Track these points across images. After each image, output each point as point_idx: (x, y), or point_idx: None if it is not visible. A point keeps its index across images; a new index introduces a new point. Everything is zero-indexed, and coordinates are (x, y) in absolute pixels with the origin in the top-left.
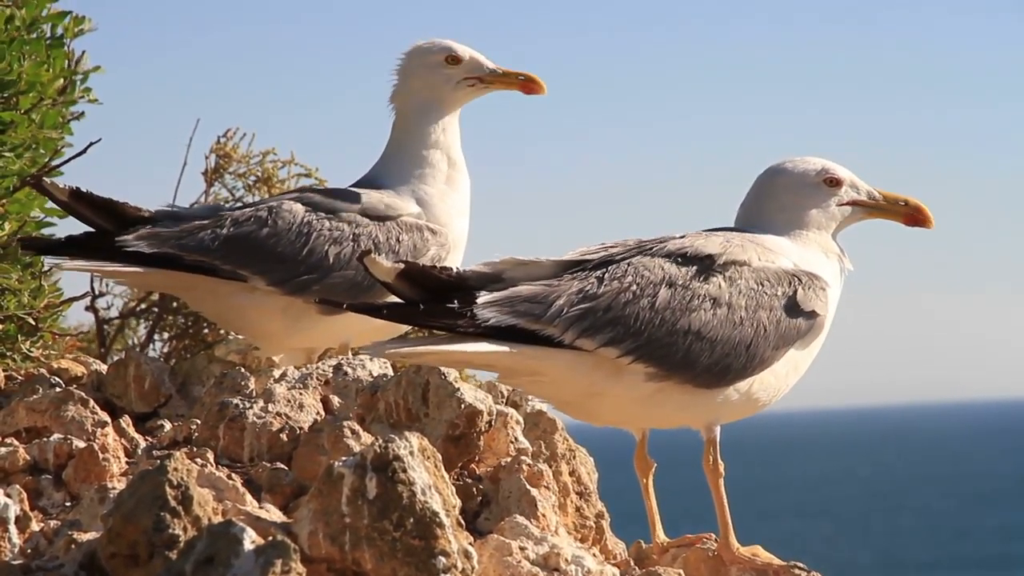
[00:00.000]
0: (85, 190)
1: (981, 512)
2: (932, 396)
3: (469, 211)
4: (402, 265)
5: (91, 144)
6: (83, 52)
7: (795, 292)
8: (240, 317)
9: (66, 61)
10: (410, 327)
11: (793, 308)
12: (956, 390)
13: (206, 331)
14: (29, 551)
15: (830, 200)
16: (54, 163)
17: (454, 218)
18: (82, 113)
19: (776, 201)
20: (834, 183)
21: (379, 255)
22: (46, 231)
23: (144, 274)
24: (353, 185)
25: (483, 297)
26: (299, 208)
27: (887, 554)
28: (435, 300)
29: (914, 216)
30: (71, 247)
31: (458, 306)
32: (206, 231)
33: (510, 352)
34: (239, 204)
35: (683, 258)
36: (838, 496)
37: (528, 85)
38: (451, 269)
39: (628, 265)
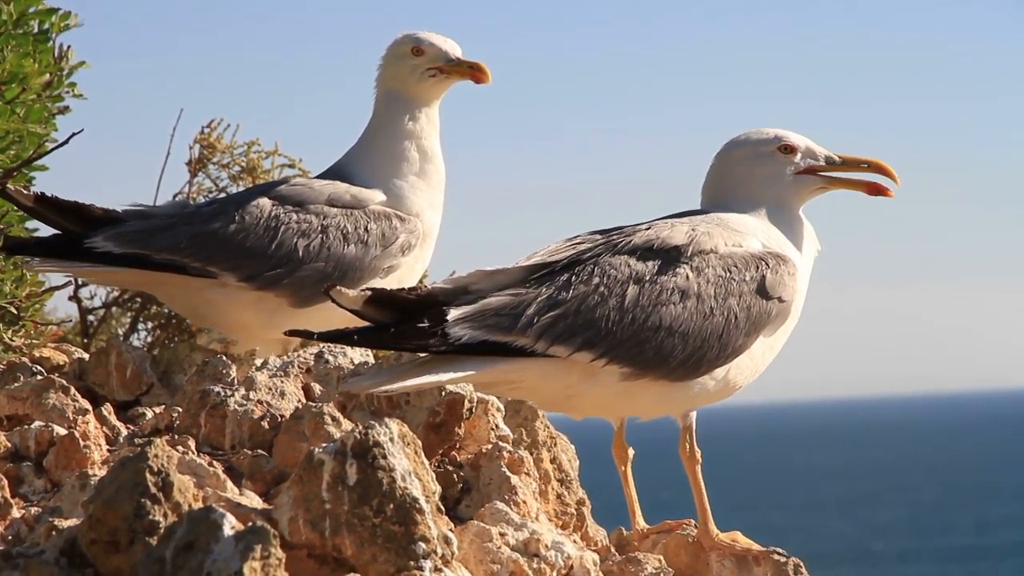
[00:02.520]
0: (51, 195)
1: (958, 505)
2: (908, 388)
3: (442, 204)
4: (368, 292)
5: (73, 135)
6: (68, 47)
7: (764, 276)
8: (213, 312)
9: (52, 56)
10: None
11: (763, 292)
12: (933, 382)
13: (189, 321)
14: (10, 537)
15: (787, 169)
16: (37, 156)
17: (424, 210)
18: (67, 107)
19: (733, 175)
20: (788, 150)
21: (344, 288)
22: (27, 224)
23: (114, 273)
24: (322, 174)
25: (453, 313)
26: (266, 202)
27: (862, 546)
28: (405, 319)
29: (875, 184)
30: (41, 248)
31: (428, 325)
32: (174, 229)
33: (486, 372)
34: (205, 200)
35: (650, 252)
36: (816, 487)
37: (475, 75)
38: (418, 289)
39: (594, 266)
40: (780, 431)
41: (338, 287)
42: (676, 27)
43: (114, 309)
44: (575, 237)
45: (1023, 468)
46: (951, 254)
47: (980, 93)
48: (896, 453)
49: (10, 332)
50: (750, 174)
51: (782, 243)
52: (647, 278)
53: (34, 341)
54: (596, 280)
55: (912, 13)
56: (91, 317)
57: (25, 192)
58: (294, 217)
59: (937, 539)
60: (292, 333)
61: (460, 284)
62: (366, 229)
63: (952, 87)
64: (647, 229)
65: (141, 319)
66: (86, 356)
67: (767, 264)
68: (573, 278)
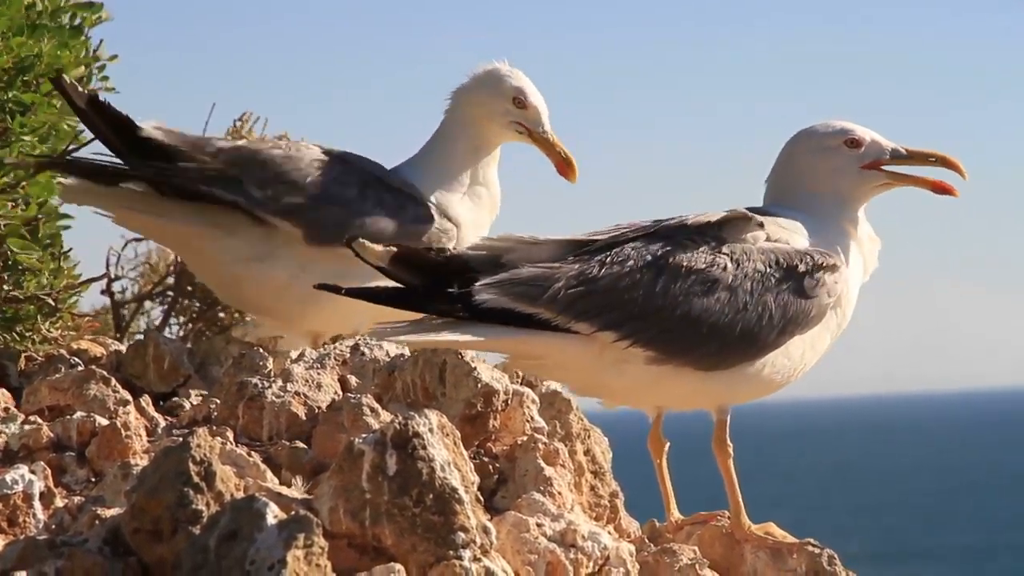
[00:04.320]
0: (103, 99)
1: (965, 503)
2: (916, 387)
3: (487, 227)
4: (395, 249)
5: None
6: (100, 41)
7: (805, 275)
8: (240, 289)
9: (86, 50)
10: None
11: (802, 291)
12: (944, 381)
13: (221, 315)
14: (54, 527)
15: (852, 163)
16: (73, 149)
17: (467, 225)
18: None
19: (797, 168)
20: (854, 144)
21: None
22: (62, 219)
23: (159, 209)
24: None
25: (481, 281)
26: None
27: (874, 544)
28: (436, 284)
29: (941, 183)
30: (86, 173)
31: (457, 290)
32: (216, 156)
33: (509, 340)
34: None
35: (690, 241)
36: (825, 487)
37: (563, 166)
38: (446, 249)
39: (632, 248)
40: (777, 431)
41: (361, 240)
42: (716, 26)
43: (146, 303)
44: (619, 224)
45: None
46: (964, 254)
47: (970, 98)
48: (903, 452)
49: (48, 324)
50: (815, 167)
51: (832, 243)
52: (683, 265)
53: (71, 333)
54: (631, 262)
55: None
56: (123, 311)
57: (79, 91)
58: (339, 167)
59: (945, 538)
60: (320, 287)
61: (494, 252)
62: (402, 206)
63: (948, 92)
64: (693, 218)
65: (172, 313)
66: (123, 348)
67: (810, 263)
68: (608, 258)
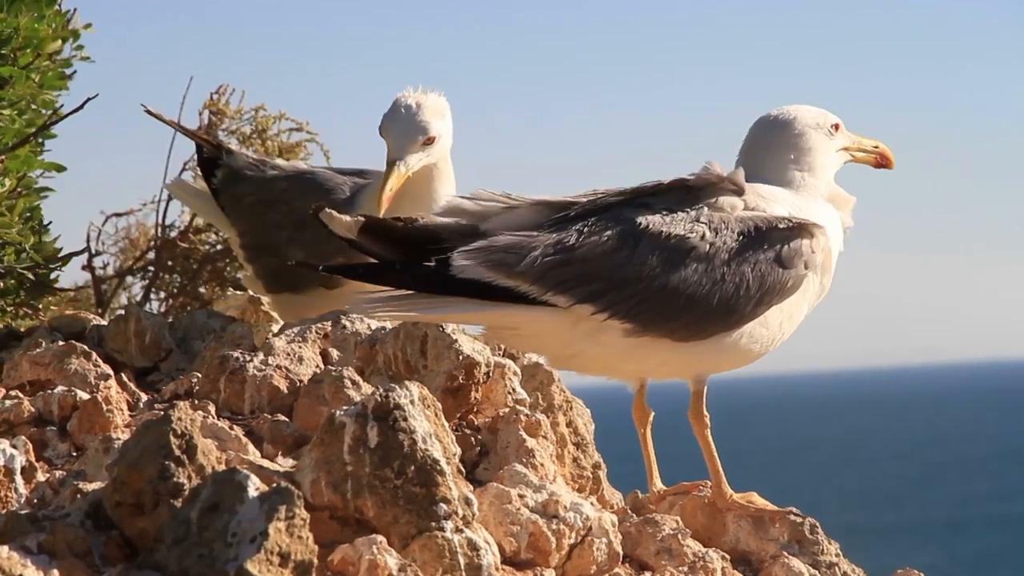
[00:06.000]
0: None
1: (940, 476)
2: (891, 361)
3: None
4: (362, 219)
5: (88, 100)
6: (74, 9)
7: (784, 243)
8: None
9: (63, 21)
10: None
11: (781, 260)
12: (918, 354)
13: (202, 290)
14: (35, 501)
15: (832, 147)
16: (53, 121)
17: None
18: (74, 72)
19: (783, 150)
20: (836, 129)
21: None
22: (42, 192)
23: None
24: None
25: (458, 253)
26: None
27: (849, 518)
28: (413, 257)
29: (880, 161)
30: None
31: (434, 264)
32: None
33: (485, 313)
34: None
35: (668, 210)
36: (798, 461)
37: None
38: (415, 219)
39: (609, 218)
40: (749, 405)
41: (328, 210)
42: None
43: (127, 278)
44: (597, 189)
45: (1005, 440)
46: (930, 227)
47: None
48: (878, 426)
49: (28, 298)
50: (805, 150)
51: (812, 214)
52: (661, 236)
53: (52, 308)
54: (608, 232)
55: None
56: (104, 286)
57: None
58: (282, 208)
59: (921, 512)
60: (298, 265)
61: (467, 219)
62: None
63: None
64: (669, 186)
65: (153, 289)
66: (104, 323)
67: (790, 230)
68: (585, 228)
